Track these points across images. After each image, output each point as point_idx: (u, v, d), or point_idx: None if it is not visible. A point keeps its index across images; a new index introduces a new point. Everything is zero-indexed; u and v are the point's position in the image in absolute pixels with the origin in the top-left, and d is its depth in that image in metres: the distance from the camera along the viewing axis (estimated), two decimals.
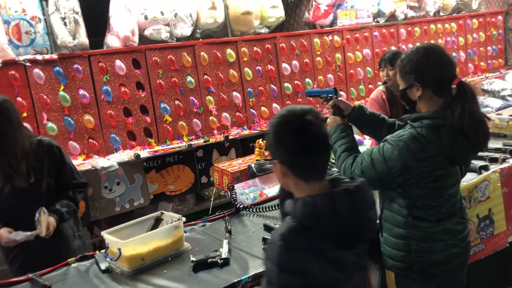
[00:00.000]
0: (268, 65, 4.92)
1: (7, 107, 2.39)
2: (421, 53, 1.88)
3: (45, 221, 2.32)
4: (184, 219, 2.17)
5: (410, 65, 1.89)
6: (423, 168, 1.84)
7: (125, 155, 3.97)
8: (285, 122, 1.38)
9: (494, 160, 2.78)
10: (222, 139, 4.45)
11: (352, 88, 5.57)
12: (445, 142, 1.83)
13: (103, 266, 2.02)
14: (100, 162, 3.80)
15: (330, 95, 2.23)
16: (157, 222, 2.22)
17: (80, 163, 3.76)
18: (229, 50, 4.65)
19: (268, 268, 1.31)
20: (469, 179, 2.52)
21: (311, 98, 5.01)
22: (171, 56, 4.31)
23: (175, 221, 2.13)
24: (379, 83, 5.71)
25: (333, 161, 2.71)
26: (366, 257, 1.48)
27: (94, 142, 3.98)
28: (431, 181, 1.88)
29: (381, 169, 1.88)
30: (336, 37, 5.39)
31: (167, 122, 4.33)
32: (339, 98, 2.21)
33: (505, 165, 2.76)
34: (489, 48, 6.88)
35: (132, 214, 4.11)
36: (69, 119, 3.86)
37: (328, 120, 2.21)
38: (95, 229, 4.21)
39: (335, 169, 3.02)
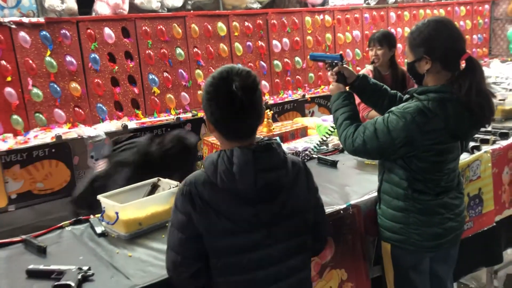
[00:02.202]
0: (259, 41, 4.88)
1: None
2: (432, 26, 1.86)
3: None
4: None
5: (420, 38, 1.87)
6: (426, 141, 1.85)
7: (112, 125, 3.90)
8: (212, 84, 1.44)
9: (485, 141, 2.82)
10: None
11: None
12: (451, 116, 1.83)
13: (98, 230, 1.96)
14: (86, 131, 3.72)
15: (335, 61, 2.20)
16: (154, 188, 2.18)
17: (66, 131, 3.68)
18: (220, 24, 4.58)
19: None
20: (462, 158, 2.55)
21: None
22: (161, 26, 4.22)
23: (173, 187, 2.09)
24: (367, 65, 5.72)
25: (331, 130, 2.71)
26: (279, 217, 1.50)
27: (80, 110, 3.89)
28: (433, 154, 1.89)
29: (384, 139, 1.88)
30: (327, 17, 5.36)
31: (155, 94, 4.26)
32: (344, 65, 2.18)
33: (495, 146, 2.80)
34: (474, 36, 6.97)
35: None
36: (55, 86, 3.76)
37: (331, 86, 2.19)
38: None
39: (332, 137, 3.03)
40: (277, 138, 3.43)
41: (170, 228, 1.49)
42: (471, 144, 2.73)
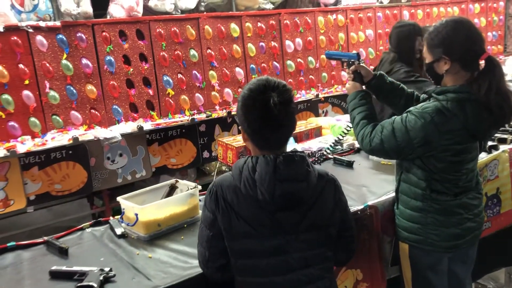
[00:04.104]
0: (272, 42, 4.88)
1: None
2: (450, 26, 1.86)
3: None
4: (200, 187, 2.15)
5: (438, 38, 1.87)
6: (445, 141, 1.84)
7: (127, 126, 3.93)
8: (250, 98, 1.50)
9: (502, 141, 2.80)
10: (224, 114, 4.43)
11: None
12: (470, 116, 1.82)
13: (118, 231, 2.00)
14: (102, 132, 3.76)
15: (352, 59, 2.19)
16: (172, 189, 2.20)
17: (82, 133, 3.71)
18: (233, 25, 4.59)
19: None
20: (480, 157, 2.53)
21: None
22: (175, 28, 4.24)
23: (191, 189, 2.12)
24: None
25: (347, 129, 2.70)
26: (299, 227, 1.53)
27: (96, 112, 3.93)
28: (451, 154, 1.88)
29: (402, 139, 1.88)
30: (340, 16, 5.35)
31: (170, 96, 4.28)
32: (361, 64, 2.18)
33: None
34: (489, 34, 6.88)
35: (133, 187, 4.08)
36: (72, 88, 3.79)
37: (347, 85, 2.19)
38: (95, 200, 4.19)
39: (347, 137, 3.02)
40: (293, 138, 3.48)
41: (200, 224, 1.62)
42: (489, 143, 2.71)
